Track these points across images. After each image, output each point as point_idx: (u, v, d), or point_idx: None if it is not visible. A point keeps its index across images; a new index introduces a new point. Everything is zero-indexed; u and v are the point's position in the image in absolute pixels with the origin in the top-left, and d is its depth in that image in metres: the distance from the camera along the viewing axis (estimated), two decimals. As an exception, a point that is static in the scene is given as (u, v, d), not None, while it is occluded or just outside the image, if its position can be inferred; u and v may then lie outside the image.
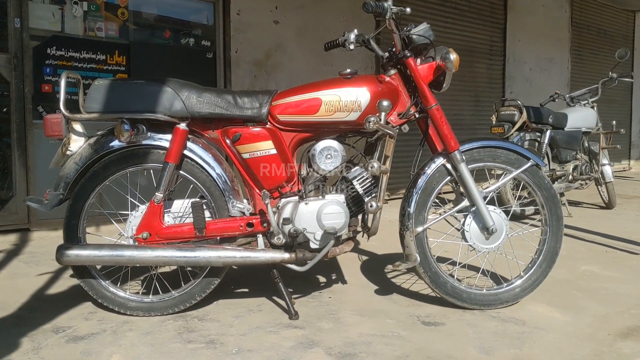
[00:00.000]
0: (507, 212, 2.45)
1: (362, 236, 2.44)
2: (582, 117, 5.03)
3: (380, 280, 2.88)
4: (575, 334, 2.14)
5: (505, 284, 2.44)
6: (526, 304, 2.46)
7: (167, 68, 4.47)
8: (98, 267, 2.33)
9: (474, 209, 2.37)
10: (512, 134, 4.50)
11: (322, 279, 2.90)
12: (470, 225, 2.37)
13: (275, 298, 2.54)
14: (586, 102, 5.26)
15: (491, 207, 2.37)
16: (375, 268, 3.12)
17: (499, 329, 2.19)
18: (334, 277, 2.93)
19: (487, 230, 2.35)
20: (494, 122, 4.67)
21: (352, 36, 2.38)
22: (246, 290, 2.70)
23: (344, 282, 2.85)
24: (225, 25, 4.76)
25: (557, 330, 2.17)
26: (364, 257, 3.38)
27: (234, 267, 2.98)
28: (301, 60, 5.21)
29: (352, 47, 2.38)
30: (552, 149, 4.78)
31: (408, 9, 2.24)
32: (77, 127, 2.25)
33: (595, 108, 5.22)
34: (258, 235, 2.31)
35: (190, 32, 4.69)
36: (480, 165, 2.39)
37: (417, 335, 2.13)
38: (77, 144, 2.25)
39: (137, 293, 2.40)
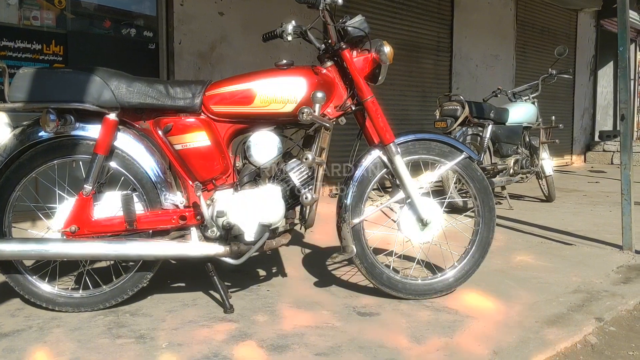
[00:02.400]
0: (442, 204, 2.48)
1: (300, 228, 2.43)
2: (523, 112, 5.17)
3: (320, 272, 2.88)
4: (505, 322, 2.19)
5: (439, 274, 2.48)
6: (460, 293, 2.51)
7: (107, 59, 4.34)
8: (26, 262, 2.25)
9: (409, 200, 2.39)
10: (455, 129, 4.57)
11: (262, 272, 2.89)
12: (406, 216, 2.40)
13: (211, 292, 2.50)
14: (527, 97, 5.39)
15: (426, 199, 2.40)
16: (317, 261, 3.12)
17: (431, 318, 2.23)
18: (274, 270, 2.92)
19: (421, 222, 2.38)
20: (437, 117, 4.74)
21: (290, 27, 2.35)
22: (183, 284, 2.66)
23: (284, 275, 2.84)
24: (168, 16, 4.65)
25: (487, 319, 2.22)
26: (307, 250, 3.38)
27: (172, 261, 2.93)
28: (247, 53, 5.15)
29: (289, 38, 2.36)
30: (493, 144, 4.88)
31: (340, 0, 2.24)
32: (2, 117, 2.17)
33: (536, 103, 5.37)
34: (192, 228, 2.27)
35: (132, 22, 4.56)
36: (415, 157, 2.42)
37: (351, 326, 2.14)
38: (1, 134, 2.16)
39: (67, 288, 2.33)
